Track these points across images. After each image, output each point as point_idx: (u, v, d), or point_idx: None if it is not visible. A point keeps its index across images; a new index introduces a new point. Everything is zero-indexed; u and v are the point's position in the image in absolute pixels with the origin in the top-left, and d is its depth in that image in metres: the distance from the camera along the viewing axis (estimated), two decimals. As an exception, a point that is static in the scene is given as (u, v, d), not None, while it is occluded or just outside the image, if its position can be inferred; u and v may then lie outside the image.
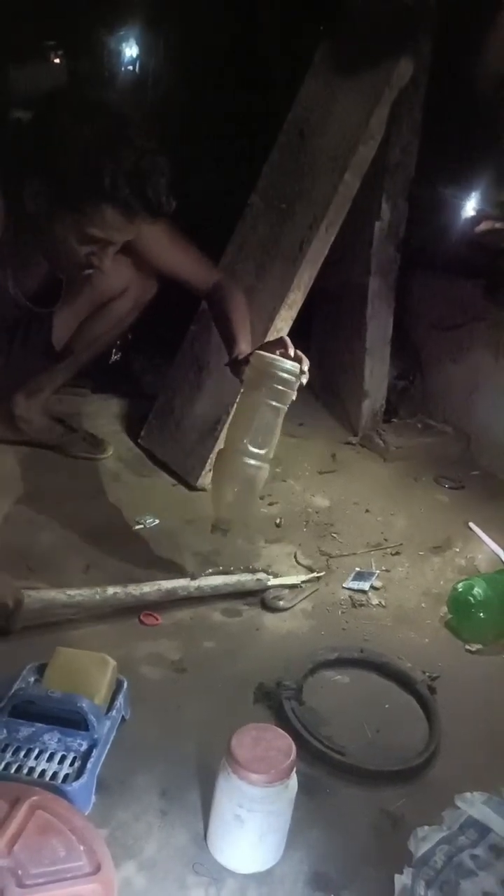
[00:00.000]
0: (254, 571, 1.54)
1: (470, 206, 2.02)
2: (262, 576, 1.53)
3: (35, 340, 1.78)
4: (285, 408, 1.45)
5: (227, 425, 1.69)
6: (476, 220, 2.00)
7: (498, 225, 1.94)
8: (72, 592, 1.38)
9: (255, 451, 1.44)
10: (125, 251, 1.55)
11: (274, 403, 1.43)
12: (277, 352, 1.44)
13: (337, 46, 2.07)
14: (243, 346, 1.55)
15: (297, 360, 1.43)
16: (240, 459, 1.44)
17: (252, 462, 1.44)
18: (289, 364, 1.42)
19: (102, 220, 1.37)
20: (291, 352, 1.44)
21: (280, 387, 1.42)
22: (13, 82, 2.95)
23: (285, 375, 1.41)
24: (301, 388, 1.45)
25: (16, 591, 1.32)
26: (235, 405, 1.59)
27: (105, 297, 1.81)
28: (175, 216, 1.45)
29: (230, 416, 1.59)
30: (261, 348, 1.48)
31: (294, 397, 1.45)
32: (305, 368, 1.44)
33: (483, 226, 1.98)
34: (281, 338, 1.48)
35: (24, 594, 1.32)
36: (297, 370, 1.42)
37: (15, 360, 1.78)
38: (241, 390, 1.50)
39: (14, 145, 1.43)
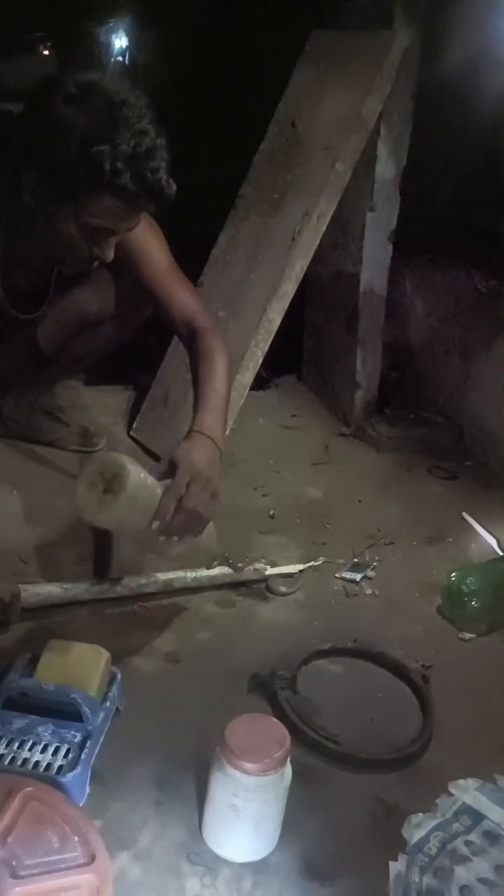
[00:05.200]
0: (252, 561, 1.54)
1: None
2: (259, 565, 1.53)
3: (22, 343, 1.76)
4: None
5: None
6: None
7: None
8: (68, 586, 1.37)
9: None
10: (114, 271, 1.46)
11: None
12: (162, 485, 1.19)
13: (328, 35, 2.07)
14: (204, 419, 1.34)
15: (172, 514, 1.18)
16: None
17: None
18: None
19: (102, 209, 1.29)
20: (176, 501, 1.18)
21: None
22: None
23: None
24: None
25: (12, 584, 1.32)
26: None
27: (92, 319, 1.76)
28: (167, 206, 1.39)
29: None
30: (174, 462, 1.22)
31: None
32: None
33: None
34: (189, 464, 1.21)
35: (21, 588, 1.32)
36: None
37: (1, 361, 1.76)
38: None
39: (3, 136, 1.39)
